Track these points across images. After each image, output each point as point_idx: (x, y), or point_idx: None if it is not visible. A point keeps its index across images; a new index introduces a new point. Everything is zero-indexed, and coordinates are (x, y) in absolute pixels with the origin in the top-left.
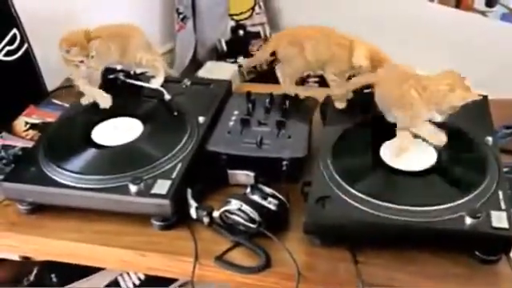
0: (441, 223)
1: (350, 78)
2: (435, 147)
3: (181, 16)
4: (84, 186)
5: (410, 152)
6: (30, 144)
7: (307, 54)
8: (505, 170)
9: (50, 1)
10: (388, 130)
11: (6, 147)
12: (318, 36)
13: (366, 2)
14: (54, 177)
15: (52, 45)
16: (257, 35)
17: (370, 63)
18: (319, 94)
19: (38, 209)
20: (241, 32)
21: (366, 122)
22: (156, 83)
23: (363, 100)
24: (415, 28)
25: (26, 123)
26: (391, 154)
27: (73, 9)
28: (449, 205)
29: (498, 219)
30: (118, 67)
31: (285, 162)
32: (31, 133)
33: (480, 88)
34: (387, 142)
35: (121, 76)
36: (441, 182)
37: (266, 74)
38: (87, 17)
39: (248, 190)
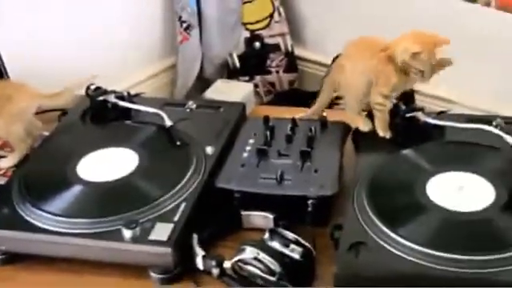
0: (499, 274)
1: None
2: (493, 185)
3: (184, 25)
4: (67, 230)
5: (463, 190)
6: (1, 181)
7: (347, 78)
8: None
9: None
10: (436, 162)
11: None
12: (355, 53)
13: (408, 2)
14: (30, 220)
15: (28, 58)
16: (276, 48)
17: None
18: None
19: (12, 259)
20: (257, 44)
21: (410, 152)
22: (7, 163)
23: (406, 125)
24: (465, 36)
25: None
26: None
27: (54, 24)
28: (510, 253)
29: None
30: (109, 88)
31: (311, 202)
32: None
33: None
34: (436, 177)
35: (112, 98)
36: (503, 225)
37: (287, 95)
38: (74, 27)
39: (266, 235)
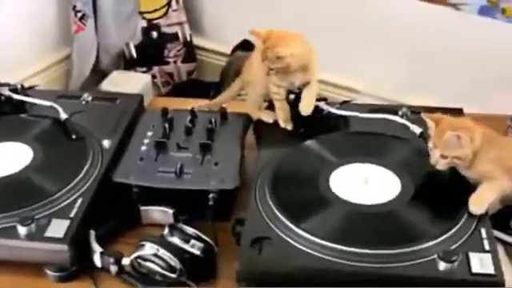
0: (406, 269)
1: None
2: (399, 177)
3: (79, 14)
4: None
5: (368, 182)
6: None
7: (252, 74)
8: None
9: None
10: (341, 154)
11: None
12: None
13: None
14: None
15: None
16: (174, 37)
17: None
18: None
19: None
20: (154, 34)
21: (312, 143)
22: None
23: (308, 115)
24: (371, 24)
25: None
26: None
27: None
28: (417, 247)
29: (480, 263)
30: (2, 80)
31: (211, 196)
32: None
33: (453, 97)
34: (339, 170)
35: (5, 91)
36: (408, 218)
37: (186, 85)
38: None
39: (166, 230)
